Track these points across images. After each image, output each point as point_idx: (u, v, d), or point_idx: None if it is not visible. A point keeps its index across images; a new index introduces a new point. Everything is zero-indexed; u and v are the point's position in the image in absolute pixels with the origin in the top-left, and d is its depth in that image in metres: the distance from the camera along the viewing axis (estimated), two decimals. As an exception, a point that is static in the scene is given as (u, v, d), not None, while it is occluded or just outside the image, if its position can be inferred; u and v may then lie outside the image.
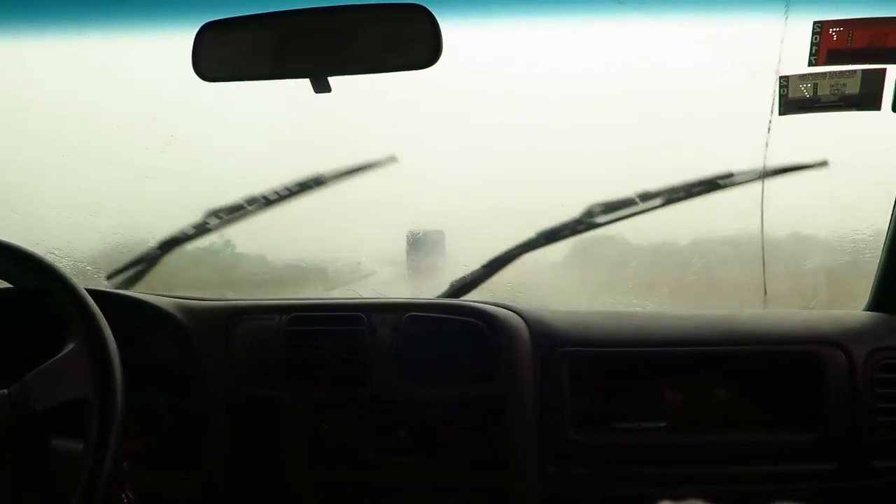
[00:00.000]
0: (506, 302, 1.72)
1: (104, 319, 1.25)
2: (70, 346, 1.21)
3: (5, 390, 1.15)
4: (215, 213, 1.92)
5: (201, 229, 1.94)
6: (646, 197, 1.80)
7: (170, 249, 1.95)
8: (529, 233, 1.88)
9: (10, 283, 1.35)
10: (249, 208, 1.91)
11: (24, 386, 1.15)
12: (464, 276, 1.87)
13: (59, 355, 1.20)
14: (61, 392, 1.18)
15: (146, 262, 1.96)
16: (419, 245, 2.29)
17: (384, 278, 2.36)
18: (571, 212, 1.82)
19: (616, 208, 1.81)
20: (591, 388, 1.60)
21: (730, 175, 1.80)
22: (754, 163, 1.81)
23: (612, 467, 1.59)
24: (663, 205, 1.81)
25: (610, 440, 1.60)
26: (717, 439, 1.59)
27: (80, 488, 1.15)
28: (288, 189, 1.91)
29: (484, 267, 1.87)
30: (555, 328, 1.64)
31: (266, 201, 1.90)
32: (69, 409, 1.20)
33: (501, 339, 1.58)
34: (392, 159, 1.98)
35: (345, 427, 1.60)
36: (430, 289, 1.96)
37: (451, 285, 1.87)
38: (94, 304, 1.26)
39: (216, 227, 1.93)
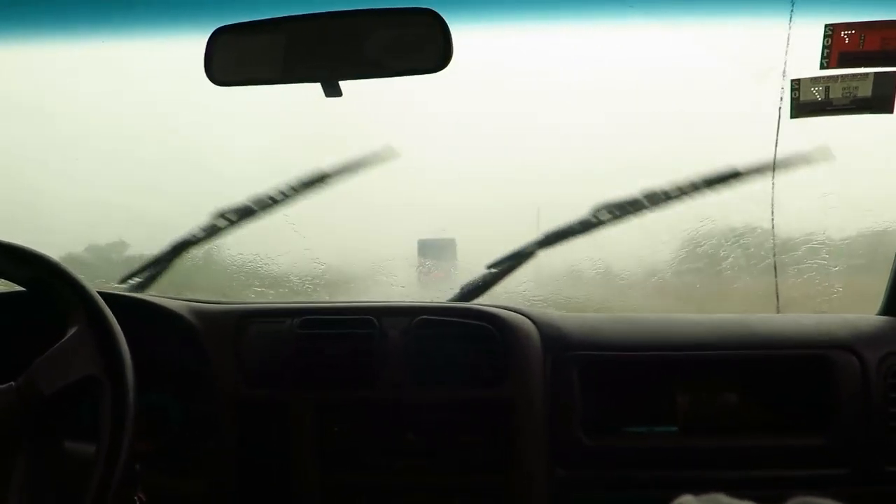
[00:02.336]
0: (516, 306, 1.72)
1: (103, 301, 1.25)
2: (73, 330, 1.20)
3: (11, 383, 1.14)
4: (223, 215, 1.92)
5: (211, 231, 1.94)
6: (651, 197, 1.81)
7: (180, 253, 1.96)
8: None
9: (5, 279, 1.35)
10: (256, 209, 1.91)
11: (31, 374, 1.14)
12: (474, 280, 1.87)
13: (63, 340, 1.19)
14: (69, 374, 1.17)
15: (158, 266, 1.96)
16: (431, 252, 2.29)
17: (395, 284, 2.37)
18: (578, 213, 1.83)
19: (621, 208, 1.82)
20: (601, 392, 1.60)
21: (736, 173, 1.81)
22: (763, 162, 1.81)
23: (622, 471, 1.58)
24: (668, 202, 1.82)
25: (620, 444, 1.60)
26: (728, 443, 1.59)
27: (94, 477, 1.14)
28: (293, 188, 1.90)
29: (490, 267, 1.87)
30: (565, 332, 1.63)
31: (272, 201, 1.90)
32: (80, 392, 1.19)
33: (512, 342, 1.58)
34: (392, 153, 1.98)
35: (354, 430, 1.60)
36: (442, 295, 1.96)
37: (462, 288, 1.88)
38: (91, 288, 1.26)
39: (225, 229, 1.93)
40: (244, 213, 1.92)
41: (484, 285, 1.85)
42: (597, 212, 1.82)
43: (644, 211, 1.81)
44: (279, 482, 1.59)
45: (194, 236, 1.95)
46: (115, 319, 1.24)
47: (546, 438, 1.56)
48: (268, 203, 1.91)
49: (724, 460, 1.57)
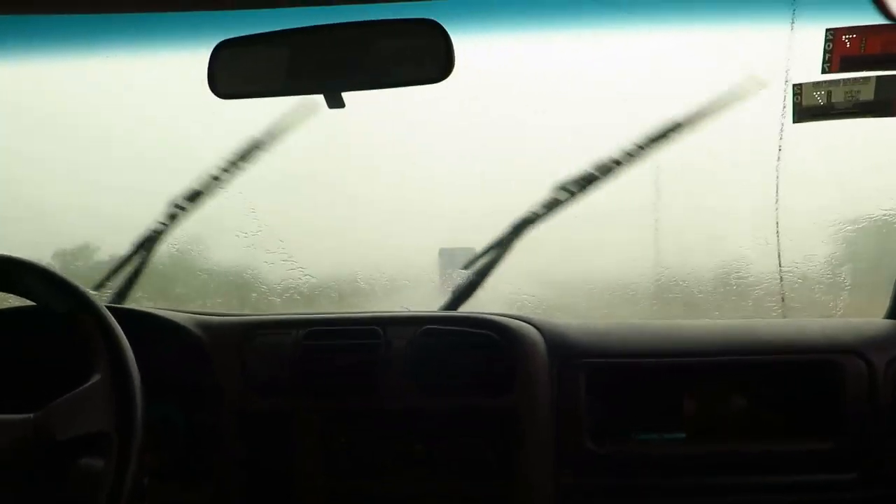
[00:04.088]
0: (521, 314, 1.72)
1: (130, 350, 1.26)
2: (95, 378, 1.22)
3: (30, 415, 1.16)
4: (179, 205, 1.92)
5: (174, 216, 1.94)
6: (602, 168, 1.81)
7: (150, 250, 1.95)
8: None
9: (39, 304, 1.37)
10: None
11: (49, 413, 1.17)
12: (459, 285, 1.86)
13: (84, 386, 1.21)
14: (83, 425, 1.20)
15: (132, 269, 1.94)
16: (451, 262, 2.29)
17: (414, 294, 2.37)
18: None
19: (577, 184, 1.81)
20: (608, 399, 1.60)
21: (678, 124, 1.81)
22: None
23: (629, 478, 1.58)
24: (619, 169, 1.81)
25: (627, 451, 1.59)
26: (735, 449, 1.58)
27: (102, 496, 1.17)
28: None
29: (476, 274, 1.86)
30: (571, 339, 1.63)
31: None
32: (91, 441, 1.21)
33: (517, 350, 1.58)
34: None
35: (359, 439, 1.60)
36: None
37: (452, 294, 1.87)
38: (122, 334, 1.27)
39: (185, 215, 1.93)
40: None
41: (470, 288, 1.84)
42: (555, 192, 1.81)
43: (599, 182, 1.81)
44: (286, 493, 1.59)
45: (155, 231, 1.94)
46: (136, 371, 1.26)
47: (552, 446, 1.56)
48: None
49: (732, 466, 1.57)
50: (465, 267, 1.92)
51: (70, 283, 1.30)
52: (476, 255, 1.88)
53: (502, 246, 1.85)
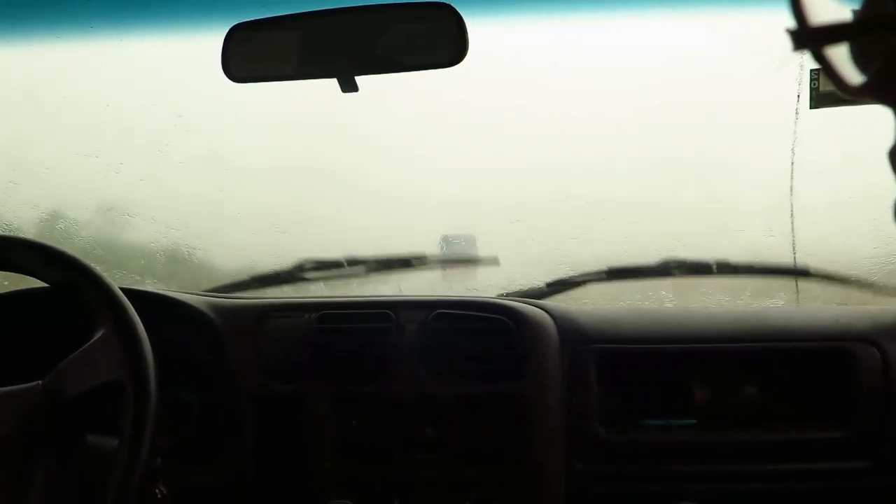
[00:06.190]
0: (533, 299, 1.72)
1: (131, 306, 1.27)
2: (99, 333, 1.23)
3: (39, 381, 1.17)
4: (314, 267, 1.92)
5: (296, 277, 1.93)
6: (723, 267, 1.83)
7: (264, 286, 1.95)
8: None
9: (36, 279, 1.37)
10: (347, 269, 1.92)
11: (57, 375, 1.17)
12: (526, 290, 1.86)
13: (89, 343, 1.21)
14: (94, 378, 1.20)
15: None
16: (452, 249, 2.29)
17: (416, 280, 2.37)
18: (646, 256, 1.85)
19: (692, 269, 1.83)
20: (619, 385, 1.60)
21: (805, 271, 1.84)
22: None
23: (640, 465, 1.58)
24: (735, 274, 1.84)
25: (638, 437, 1.60)
26: (747, 437, 1.58)
27: (117, 473, 1.17)
28: (389, 261, 1.93)
29: (548, 285, 1.86)
30: (583, 325, 1.63)
31: (366, 267, 1.92)
32: (103, 395, 1.22)
33: (528, 335, 1.58)
34: (494, 261, 1.99)
35: (371, 423, 1.61)
36: (462, 291, 1.95)
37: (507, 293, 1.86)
38: (120, 292, 1.28)
39: (312, 280, 1.92)
40: (333, 268, 1.92)
41: (532, 295, 1.83)
42: (665, 264, 1.82)
43: (712, 275, 1.83)
44: (297, 474, 1.61)
45: (278, 275, 1.94)
46: (140, 323, 1.26)
47: (563, 432, 1.56)
48: (361, 268, 1.92)
49: (742, 453, 1.57)
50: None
51: (64, 252, 1.30)
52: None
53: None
